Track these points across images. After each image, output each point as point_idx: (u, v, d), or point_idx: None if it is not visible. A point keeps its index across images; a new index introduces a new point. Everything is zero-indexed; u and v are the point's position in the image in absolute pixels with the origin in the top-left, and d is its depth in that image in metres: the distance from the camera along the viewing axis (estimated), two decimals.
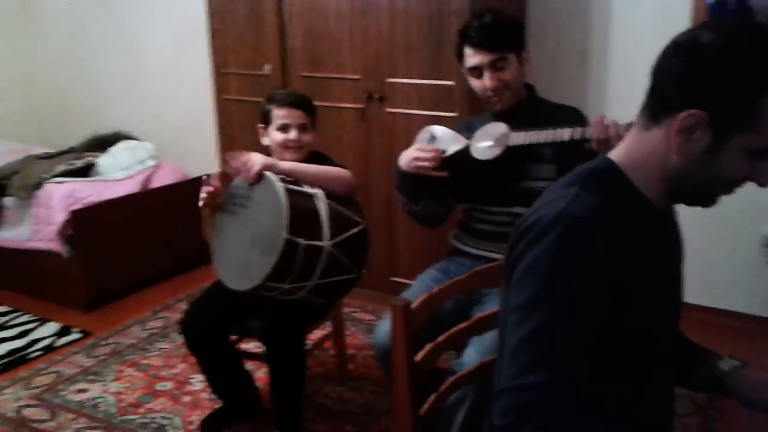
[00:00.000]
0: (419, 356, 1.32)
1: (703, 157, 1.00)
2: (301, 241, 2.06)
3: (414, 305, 1.34)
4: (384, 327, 2.01)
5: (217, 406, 2.49)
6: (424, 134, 2.18)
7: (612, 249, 1.00)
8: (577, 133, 1.83)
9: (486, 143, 1.99)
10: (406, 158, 2.07)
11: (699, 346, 1.30)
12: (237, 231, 2.22)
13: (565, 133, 1.85)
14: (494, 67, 2.01)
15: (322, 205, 2.17)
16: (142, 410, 2.55)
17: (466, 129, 2.14)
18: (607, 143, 1.75)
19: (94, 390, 2.70)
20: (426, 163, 2.02)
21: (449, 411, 1.74)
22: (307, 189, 2.18)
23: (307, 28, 3.23)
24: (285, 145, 2.29)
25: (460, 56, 2.09)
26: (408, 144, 2.19)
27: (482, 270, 1.48)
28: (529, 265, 1.01)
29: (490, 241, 2.10)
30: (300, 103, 2.33)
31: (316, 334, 2.74)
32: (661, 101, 1.02)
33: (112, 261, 3.52)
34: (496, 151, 1.95)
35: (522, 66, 2.06)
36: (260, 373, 2.68)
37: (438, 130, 2.15)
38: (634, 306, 1.05)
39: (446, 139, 2.10)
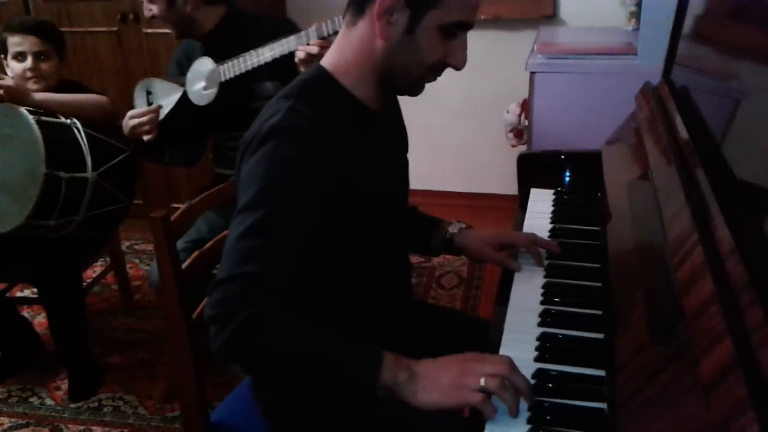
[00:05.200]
0: (185, 264, 1.37)
1: (403, 38, 1.08)
2: (63, 174, 1.99)
3: (173, 217, 1.38)
4: (156, 266, 1.97)
5: None
6: (139, 93, 2.10)
7: (327, 154, 1.06)
8: (277, 51, 1.80)
9: (200, 85, 1.95)
10: (127, 127, 1.95)
11: (431, 217, 1.46)
12: None
13: (266, 54, 1.82)
14: None
15: (81, 135, 2.09)
16: None
17: (184, 55, 2.11)
18: (313, 61, 1.66)
19: None
20: (147, 128, 1.93)
21: None
22: (62, 119, 2.08)
23: None
24: (23, 76, 2.14)
25: None
26: None
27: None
28: (247, 172, 1.05)
29: None
30: (34, 28, 2.16)
31: (96, 271, 2.68)
32: None
33: None
34: (213, 93, 1.92)
35: None
36: (40, 318, 2.58)
37: (153, 84, 2.07)
38: (360, 202, 1.14)
39: (163, 92, 2.04)
